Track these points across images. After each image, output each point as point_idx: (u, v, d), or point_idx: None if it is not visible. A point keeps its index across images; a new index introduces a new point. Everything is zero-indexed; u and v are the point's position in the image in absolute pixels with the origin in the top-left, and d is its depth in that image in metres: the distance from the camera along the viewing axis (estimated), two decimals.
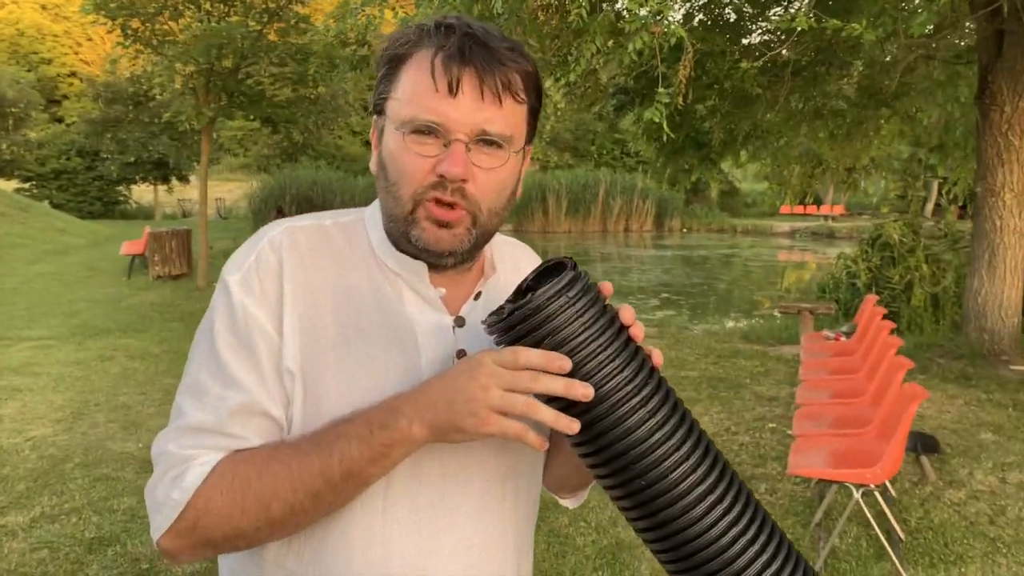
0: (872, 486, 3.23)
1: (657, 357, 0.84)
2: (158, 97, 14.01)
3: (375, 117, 0.96)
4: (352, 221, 1.00)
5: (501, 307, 0.82)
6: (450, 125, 0.87)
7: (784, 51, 6.70)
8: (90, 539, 3.60)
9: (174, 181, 30.37)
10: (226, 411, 0.87)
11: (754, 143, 9.00)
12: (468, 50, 0.87)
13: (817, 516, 3.72)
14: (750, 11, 7.43)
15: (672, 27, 3.97)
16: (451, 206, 0.89)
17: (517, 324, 0.79)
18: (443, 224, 0.90)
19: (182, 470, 0.85)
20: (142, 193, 32.18)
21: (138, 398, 5.81)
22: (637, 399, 0.79)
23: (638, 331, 0.83)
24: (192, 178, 30.29)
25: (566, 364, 0.78)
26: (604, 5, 4.12)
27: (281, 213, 10.70)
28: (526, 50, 0.96)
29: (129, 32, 10.00)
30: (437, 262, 0.95)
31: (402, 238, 0.93)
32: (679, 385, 6.35)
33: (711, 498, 0.80)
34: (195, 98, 10.02)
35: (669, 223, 33.51)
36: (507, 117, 0.90)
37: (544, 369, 0.78)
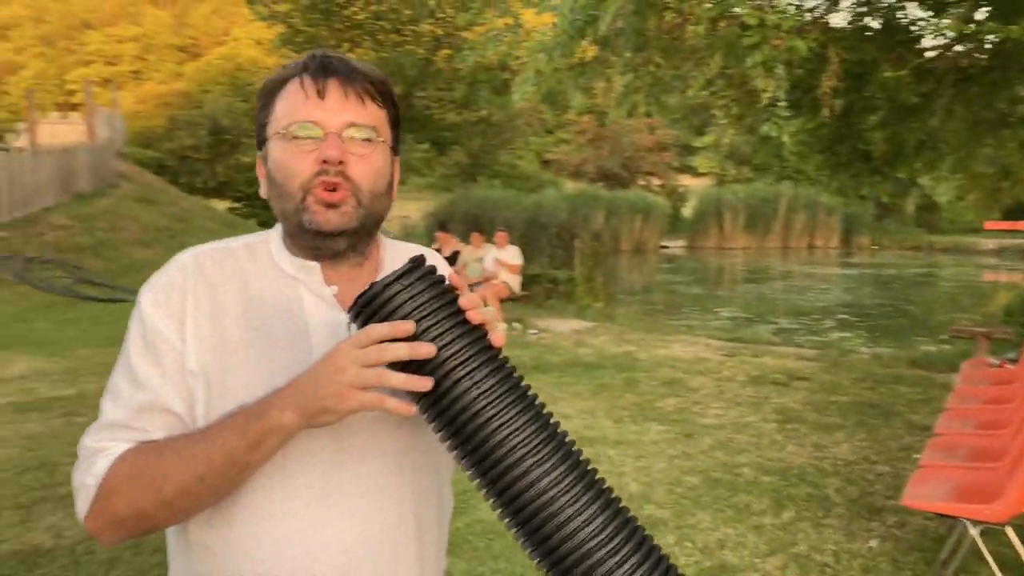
0: (998, 524, 2.98)
1: (498, 339, 0.92)
2: None
3: (259, 152, 1.10)
4: (258, 241, 1.13)
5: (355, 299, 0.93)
6: (323, 122, 1.03)
7: (956, 57, 6.25)
8: None
9: None
10: (134, 408, 1.01)
11: (928, 154, 8.37)
12: (330, 65, 1.05)
13: (943, 553, 3.46)
14: (920, 16, 6.98)
15: (795, 41, 3.86)
16: (335, 188, 1.02)
17: (363, 309, 0.90)
18: (331, 205, 1.03)
19: (94, 460, 1.00)
20: None
21: None
22: (465, 370, 0.88)
23: (475, 315, 0.91)
24: None
25: (409, 327, 0.87)
26: (722, 23, 4.07)
27: (445, 229, 11.21)
28: (376, 69, 1.12)
29: None
30: (330, 245, 1.06)
31: (296, 230, 1.06)
32: (824, 410, 6.06)
33: (529, 460, 0.88)
34: None
35: (857, 240, 31.56)
36: (369, 113, 1.06)
37: (392, 338, 0.87)
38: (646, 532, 0.94)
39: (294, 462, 1.00)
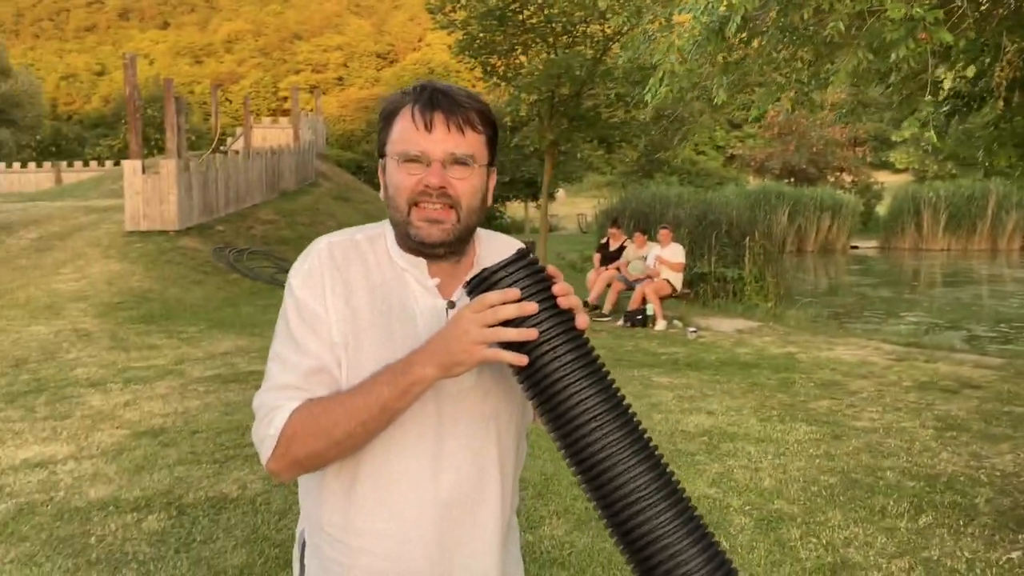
0: None
1: (582, 321, 1.14)
2: (508, 124, 15.68)
3: (380, 160, 1.35)
4: (376, 234, 1.35)
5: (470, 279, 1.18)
6: (428, 152, 1.23)
7: None
8: None
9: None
10: (302, 372, 1.24)
11: None
12: (436, 100, 1.24)
13: None
14: None
15: (941, 32, 3.72)
16: (440, 209, 1.24)
17: (476, 287, 1.14)
18: (433, 221, 1.24)
19: (273, 416, 1.22)
20: (516, 209, 35.54)
21: None
22: (551, 345, 1.10)
23: (564, 300, 1.13)
24: (558, 195, 32.76)
25: (514, 294, 1.10)
26: (860, 22, 3.98)
27: (616, 225, 11.42)
28: (479, 95, 1.33)
29: (488, 68, 11.48)
30: (432, 252, 1.27)
31: (404, 238, 1.28)
32: (993, 420, 5.71)
33: (592, 424, 1.10)
34: (540, 123, 11.19)
35: None
36: (469, 143, 1.25)
37: (502, 303, 1.10)
38: (686, 496, 1.15)
39: (407, 425, 1.25)
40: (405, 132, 1.25)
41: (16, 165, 31.85)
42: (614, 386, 1.14)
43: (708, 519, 3.85)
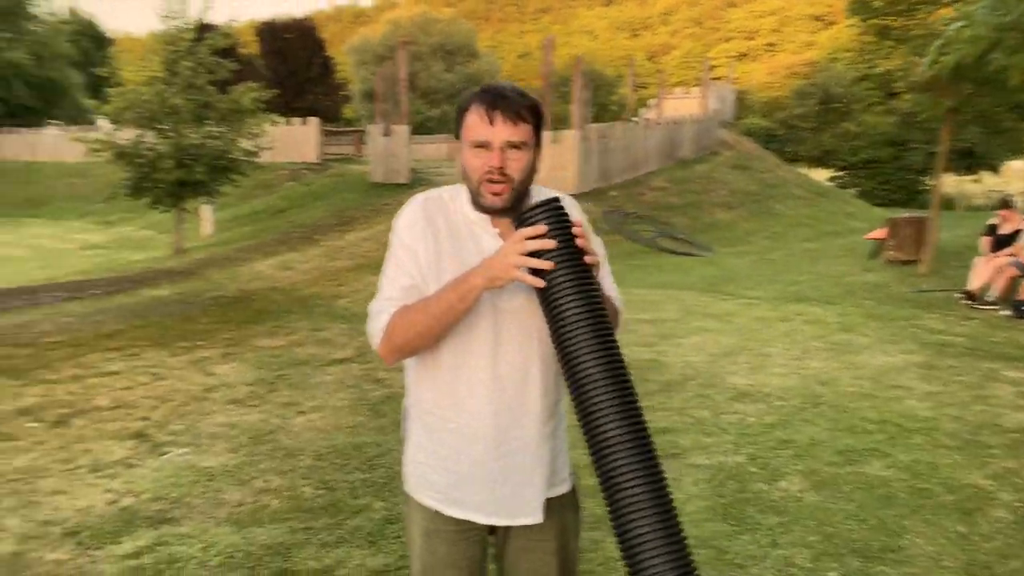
0: None
1: (590, 259, 1.58)
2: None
3: (456, 139, 1.76)
4: (457, 193, 1.78)
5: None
6: (491, 141, 1.66)
7: None
8: None
9: (982, 172, 29.12)
10: (403, 288, 1.71)
11: None
12: (496, 101, 1.67)
13: None
14: None
15: None
16: (498, 183, 1.68)
17: (519, 224, 1.57)
18: (496, 193, 1.69)
19: (380, 316, 1.71)
20: (950, 184, 31.77)
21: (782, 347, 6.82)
22: (561, 271, 1.52)
23: (580, 241, 1.55)
24: (1006, 167, 28.49)
25: (541, 229, 1.53)
26: None
27: (1007, 206, 10.00)
28: (527, 92, 1.79)
29: (881, 30, 10.63)
30: (494, 214, 1.72)
31: (475, 202, 1.73)
32: None
33: (582, 346, 1.51)
34: (935, 89, 10.07)
35: None
36: (520, 132, 1.67)
37: (533, 237, 1.54)
38: (645, 425, 1.53)
39: (474, 332, 1.72)
40: (474, 124, 1.68)
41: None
42: (604, 319, 1.55)
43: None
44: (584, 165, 16.32)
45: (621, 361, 1.56)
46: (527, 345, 1.75)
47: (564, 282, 1.54)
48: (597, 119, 26.25)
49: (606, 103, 42.20)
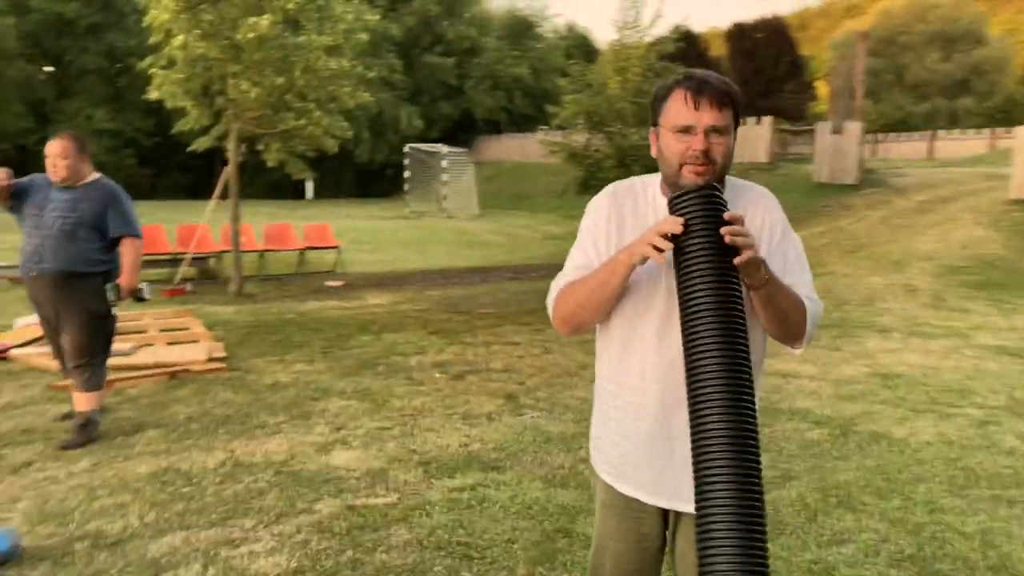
0: None
1: (740, 258, 1.59)
2: None
3: (651, 128, 1.86)
4: (651, 181, 1.86)
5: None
6: (696, 125, 1.68)
7: None
8: None
9: None
10: (577, 266, 1.83)
11: None
12: (701, 87, 1.70)
13: None
14: None
15: None
16: (701, 166, 1.76)
17: (671, 209, 1.62)
18: (698, 174, 1.68)
19: (553, 292, 1.85)
20: None
21: None
22: (695, 259, 1.57)
23: (727, 232, 1.57)
24: None
25: (679, 222, 1.57)
26: None
27: None
28: (730, 81, 1.79)
29: None
30: None
31: (673, 184, 1.74)
32: None
33: (700, 327, 1.55)
34: None
35: None
36: (724, 117, 1.69)
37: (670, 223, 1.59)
38: (752, 399, 1.55)
39: (643, 316, 1.80)
40: (677, 109, 1.71)
41: (956, 132, 33.21)
42: (734, 307, 1.56)
43: None
44: None
45: (735, 357, 1.53)
46: (664, 329, 1.77)
47: (693, 269, 1.56)
48: None
49: None
